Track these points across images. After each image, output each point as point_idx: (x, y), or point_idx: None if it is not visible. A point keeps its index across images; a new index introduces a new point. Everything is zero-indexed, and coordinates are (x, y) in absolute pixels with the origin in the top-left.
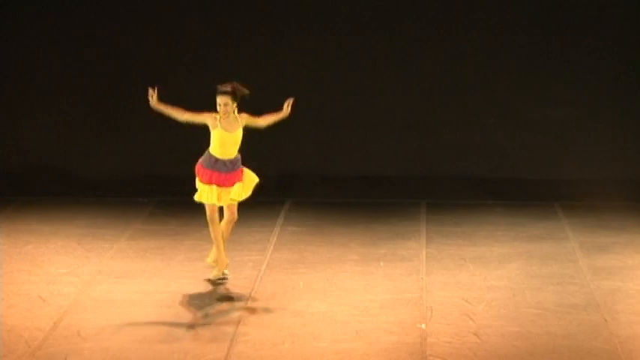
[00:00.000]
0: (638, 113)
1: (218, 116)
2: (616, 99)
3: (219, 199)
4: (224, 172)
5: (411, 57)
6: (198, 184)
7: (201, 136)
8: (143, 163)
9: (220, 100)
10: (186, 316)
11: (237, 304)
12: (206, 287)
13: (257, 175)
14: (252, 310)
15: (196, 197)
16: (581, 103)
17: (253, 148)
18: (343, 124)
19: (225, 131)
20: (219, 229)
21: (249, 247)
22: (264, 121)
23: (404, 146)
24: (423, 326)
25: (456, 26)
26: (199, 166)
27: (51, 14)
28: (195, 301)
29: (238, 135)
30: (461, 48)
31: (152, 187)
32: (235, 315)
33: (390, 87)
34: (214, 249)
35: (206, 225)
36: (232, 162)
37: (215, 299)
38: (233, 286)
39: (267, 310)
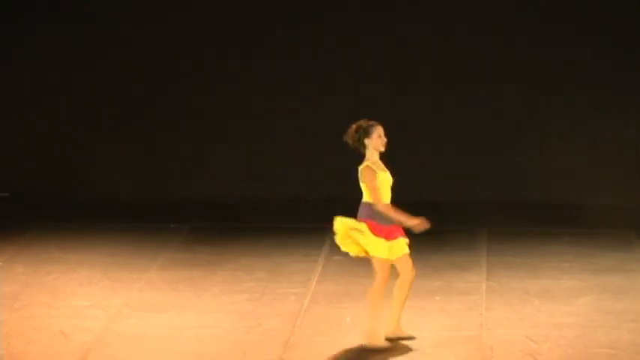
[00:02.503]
0: None
1: (370, 162)
2: None
3: (390, 252)
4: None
5: (475, 81)
6: (364, 238)
7: (239, 156)
8: (175, 186)
9: (382, 131)
10: (221, 355)
11: (278, 342)
12: (243, 323)
13: (301, 198)
14: (294, 349)
15: (371, 252)
16: None
17: (296, 171)
18: (396, 147)
19: (384, 172)
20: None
21: (290, 279)
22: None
23: (460, 169)
24: None
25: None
26: (371, 222)
27: None
28: (232, 338)
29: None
30: (514, 72)
31: (185, 213)
32: (276, 354)
33: (447, 109)
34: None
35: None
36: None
37: (253, 336)
38: (273, 321)
39: (310, 349)
